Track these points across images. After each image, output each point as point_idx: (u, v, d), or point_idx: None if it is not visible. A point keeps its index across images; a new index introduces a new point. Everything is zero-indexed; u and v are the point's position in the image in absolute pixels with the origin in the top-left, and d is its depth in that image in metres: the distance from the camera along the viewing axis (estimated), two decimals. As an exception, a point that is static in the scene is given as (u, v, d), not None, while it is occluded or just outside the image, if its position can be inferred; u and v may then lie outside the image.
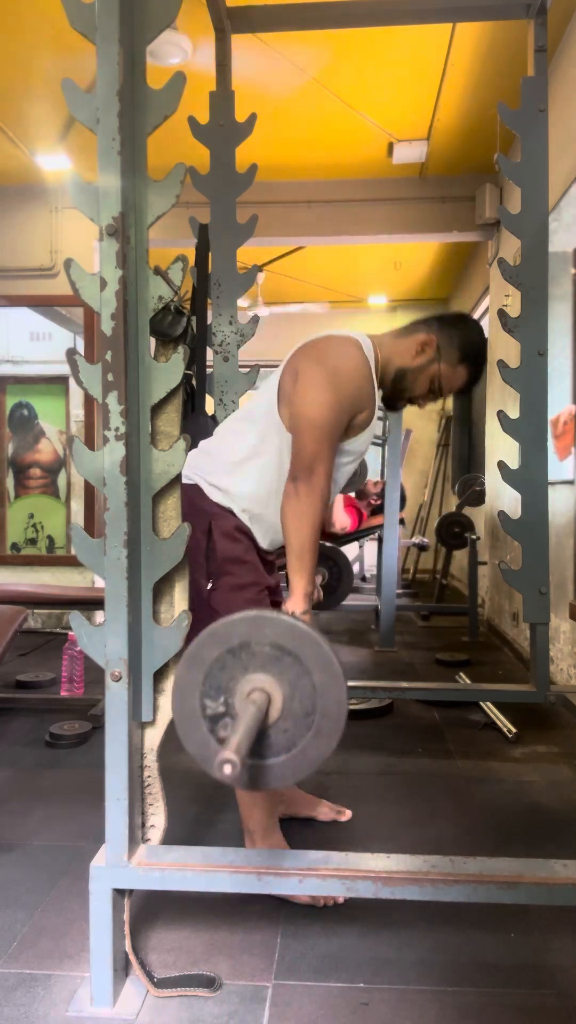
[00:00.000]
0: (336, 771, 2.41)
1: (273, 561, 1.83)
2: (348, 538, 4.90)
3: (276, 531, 1.68)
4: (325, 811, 2.03)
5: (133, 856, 1.33)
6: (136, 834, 1.35)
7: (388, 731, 2.84)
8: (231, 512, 1.65)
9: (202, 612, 1.62)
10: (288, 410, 1.62)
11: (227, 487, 1.65)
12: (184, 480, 1.66)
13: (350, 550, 5.51)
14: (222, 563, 1.62)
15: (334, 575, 3.85)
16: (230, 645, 1.08)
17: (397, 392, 1.73)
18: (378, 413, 1.73)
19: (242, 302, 5.60)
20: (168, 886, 1.32)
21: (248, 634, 1.08)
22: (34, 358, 5.26)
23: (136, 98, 1.28)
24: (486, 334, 1.77)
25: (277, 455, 1.65)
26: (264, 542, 1.70)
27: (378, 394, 1.71)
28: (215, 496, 1.66)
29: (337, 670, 1.07)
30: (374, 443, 5.01)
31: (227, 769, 0.89)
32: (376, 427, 1.73)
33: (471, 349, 1.71)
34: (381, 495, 4.68)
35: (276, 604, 1.78)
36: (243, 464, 1.66)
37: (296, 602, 1.57)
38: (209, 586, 1.61)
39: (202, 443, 1.81)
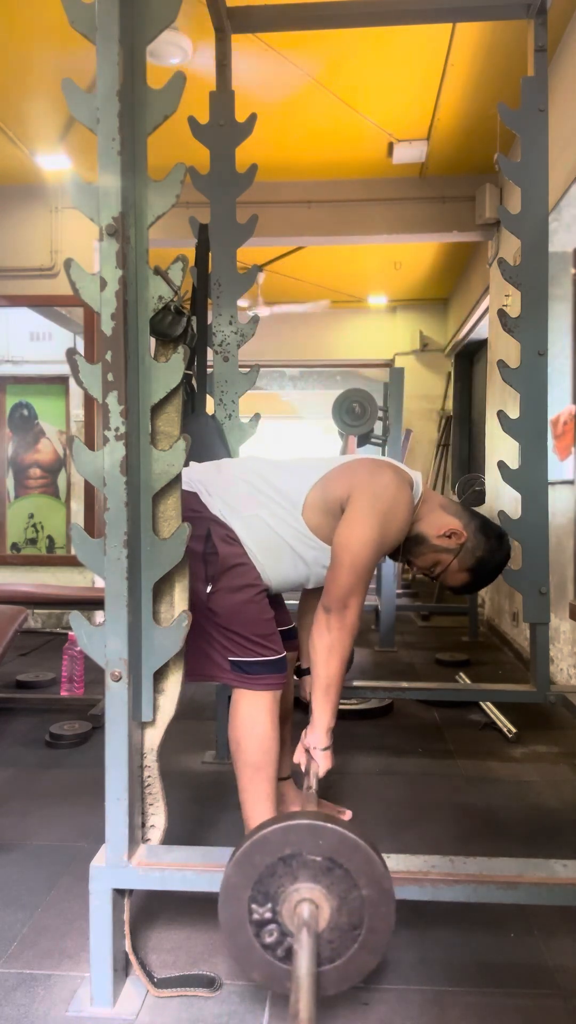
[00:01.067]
0: (336, 771, 2.41)
1: None
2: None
3: (268, 578, 1.69)
4: (325, 811, 2.02)
5: (133, 856, 1.33)
6: (136, 834, 1.35)
7: (388, 731, 2.84)
8: (225, 524, 1.66)
9: (201, 616, 1.62)
10: (320, 507, 1.65)
11: (227, 518, 1.66)
12: (185, 486, 1.66)
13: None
14: (221, 566, 1.62)
15: None
16: (282, 853, 1.08)
17: (406, 549, 1.76)
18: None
19: (242, 302, 5.61)
20: (168, 886, 1.32)
21: (300, 843, 1.07)
22: (34, 358, 5.26)
23: (136, 98, 1.28)
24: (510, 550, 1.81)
25: (284, 531, 1.66)
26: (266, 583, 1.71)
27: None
28: (214, 508, 1.66)
29: (387, 886, 1.07)
30: (375, 443, 5.02)
31: None
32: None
33: (484, 568, 1.76)
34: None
35: (275, 604, 1.78)
36: (247, 516, 1.66)
37: (318, 737, 1.59)
38: (208, 589, 1.61)
39: (220, 463, 1.81)
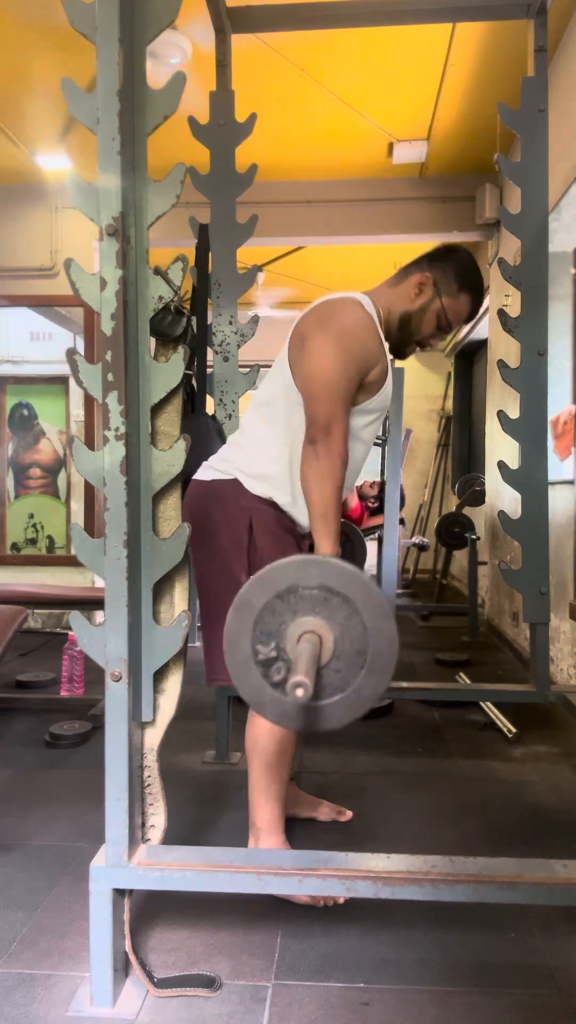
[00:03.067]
0: (336, 771, 2.41)
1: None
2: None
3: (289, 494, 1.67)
4: (325, 811, 2.03)
5: (133, 856, 1.33)
6: (136, 834, 1.35)
7: (388, 731, 2.84)
8: (271, 504, 1.65)
9: None
10: (299, 377, 1.62)
11: (264, 473, 1.65)
12: (222, 476, 1.67)
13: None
14: (263, 559, 1.62)
15: (347, 551, 3.85)
16: (277, 590, 1.08)
17: (405, 337, 1.73)
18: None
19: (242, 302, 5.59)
20: (168, 886, 1.32)
21: (295, 578, 1.08)
22: (34, 358, 5.26)
23: (136, 98, 1.28)
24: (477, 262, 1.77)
25: (303, 430, 1.64)
26: (305, 521, 1.69)
27: (387, 346, 1.71)
28: (255, 488, 1.65)
29: (386, 608, 1.08)
30: (375, 443, 5.01)
31: (300, 692, 0.90)
32: (389, 385, 1.75)
33: (467, 276, 1.72)
34: (379, 496, 4.68)
35: None
36: (273, 447, 1.66)
37: None
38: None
39: (231, 437, 1.81)
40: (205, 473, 1.73)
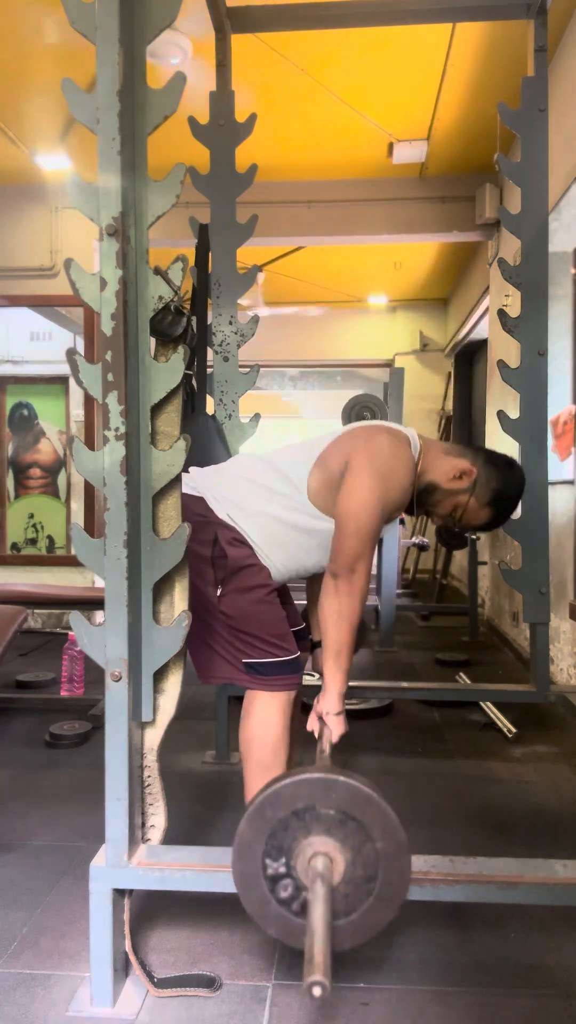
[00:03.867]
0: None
1: None
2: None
3: (280, 573, 1.69)
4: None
5: (133, 856, 1.33)
6: (136, 834, 1.35)
7: (388, 731, 2.84)
8: (233, 528, 1.65)
9: (212, 618, 1.62)
10: (324, 484, 1.63)
11: (237, 522, 1.65)
12: (190, 491, 1.66)
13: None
14: (230, 568, 1.62)
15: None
16: (295, 807, 1.07)
17: (420, 501, 1.74)
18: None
19: (242, 302, 5.60)
20: (168, 886, 1.32)
21: (313, 797, 1.07)
22: (34, 358, 5.26)
23: (136, 98, 1.28)
24: (524, 483, 1.78)
25: (291, 519, 1.66)
26: (276, 576, 1.70)
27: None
28: (221, 512, 1.66)
29: (402, 839, 1.07)
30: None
31: (316, 991, 0.86)
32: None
33: (503, 498, 1.72)
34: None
35: (285, 603, 1.78)
36: (255, 514, 1.66)
37: (331, 702, 1.59)
38: (219, 592, 1.62)
39: (221, 466, 1.81)
40: (188, 488, 1.72)
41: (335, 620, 1.57)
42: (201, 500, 1.67)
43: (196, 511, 1.63)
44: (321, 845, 1.07)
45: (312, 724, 1.64)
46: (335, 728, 1.59)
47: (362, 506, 1.57)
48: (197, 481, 1.71)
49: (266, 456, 1.78)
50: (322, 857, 1.06)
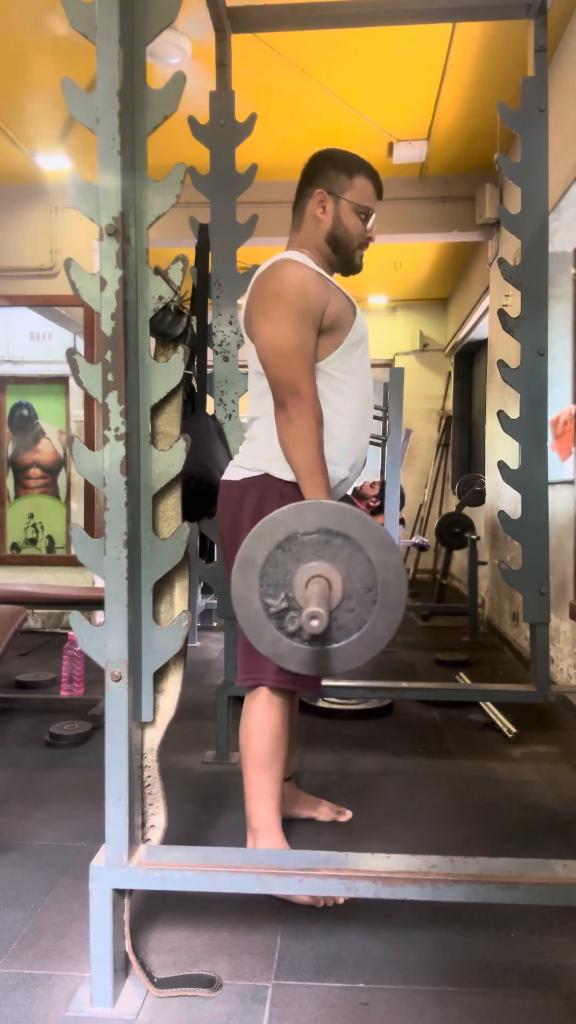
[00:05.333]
0: (336, 771, 2.41)
1: None
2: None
3: (347, 457, 1.67)
4: (325, 811, 2.03)
5: (133, 856, 1.33)
6: (136, 834, 1.35)
7: (388, 731, 2.84)
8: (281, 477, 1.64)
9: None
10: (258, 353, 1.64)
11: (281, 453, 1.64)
12: (251, 473, 1.65)
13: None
14: None
15: None
16: (277, 540, 1.07)
17: (345, 253, 1.75)
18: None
19: (241, 302, 5.57)
20: (168, 886, 1.32)
21: (293, 525, 1.07)
22: (34, 358, 5.26)
23: (136, 98, 1.28)
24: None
25: None
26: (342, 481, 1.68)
27: (333, 278, 1.72)
28: (285, 474, 1.62)
29: (387, 539, 1.07)
30: (374, 443, 5.01)
31: (315, 623, 0.89)
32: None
33: (346, 163, 1.73)
34: (380, 496, 4.68)
35: None
36: (271, 428, 1.65)
37: None
38: None
39: (248, 433, 1.79)
40: (234, 473, 1.72)
41: (297, 444, 1.54)
42: (264, 475, 1.64)
43: (261, 488, 1.62)
44: (314, 569, 1.07)
45: None
46: None
47: (271, 332, 1.57)
48: (248, 462, 1.69)
49: (251, 391, 1.79)
50: (317, 578, 1.06)
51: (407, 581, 1.09)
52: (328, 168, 1.72)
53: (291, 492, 1.62)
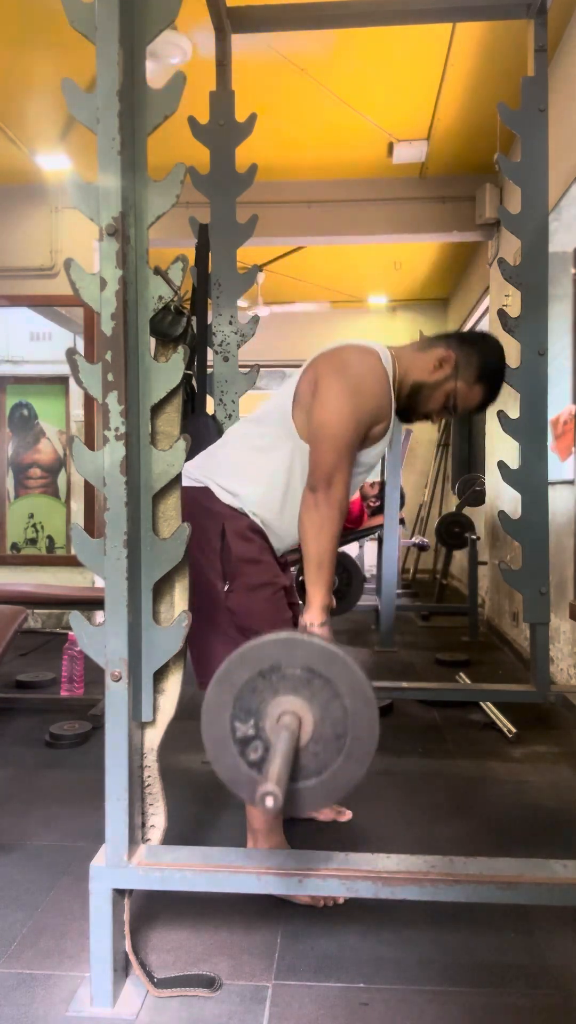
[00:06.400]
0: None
1: (287, 561, 1.83)
2: (348, 538, 4.90)
3: (288, 537, 1.68)
4: (325, 811, 2.03)
5: (133, 856, 1.33)
6: (136, 834, 1.35)
7: (388, 731, 2.83)
8: (243, 513, 1.65)
9: (219, 614, 1.62)
10: (306, 419, 1.62)
11: (237, 491, 1.65)
12: (193, 483, 1.65)
13: (350, 550, 5.51)
14: (237, 564, 1.61)
15: (344, 580, 3.88)
16: (261, 667, 1.06)
17: (412, 405, 1.73)
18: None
19: (242, 302, 5.59)
20: (168, 886, 1.32)
21: (279, 657, 1.06)
22: (34, 358, 5.26)
23: (136, 98, 1.28)
24: (505, 356, 1.77)
25: (288, 460, 1.64)
26: (277, 547, 1.70)
27: (395, 405, 1.71)
28: (225, 499, 1.65)
29: (369, 694, 1.06)
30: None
31: (269, 802, 0.87)
32: (387, 440, 1.75)
33: (489, 370, 1.72)
34: (380, 496, 4.68)
35: (292, 605, 1.78)
36: (253, 469, 1.66)
37: (314, 614, 1.58)
38: (226, 587, 1.61)
39: (210, 447, 1.80)
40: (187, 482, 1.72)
41: (315, 532, 1.55)
42: (206, 490, 1.65)
43: (203, 503, 1.62)
44: (289, 704, 1.06)
45: None
46: None
47: (334, 415, 1.56)
48: (197, 472, 1.70)
49: (246, 418, 1.78)
50: (290, 715, 1.05)
51: (377, 739, 1.08)
52: (476, 353, 1.70)
53: (230, 515, 1.62)
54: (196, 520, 1.64)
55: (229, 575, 1.62)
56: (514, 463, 2.42)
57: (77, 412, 5.03)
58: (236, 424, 1.82)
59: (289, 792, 1.06)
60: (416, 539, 6.45)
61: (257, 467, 1.66)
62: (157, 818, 1.39)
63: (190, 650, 1.70)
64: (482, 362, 1.70)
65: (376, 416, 1.62)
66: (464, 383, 1.70)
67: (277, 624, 1.63)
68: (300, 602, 1.87)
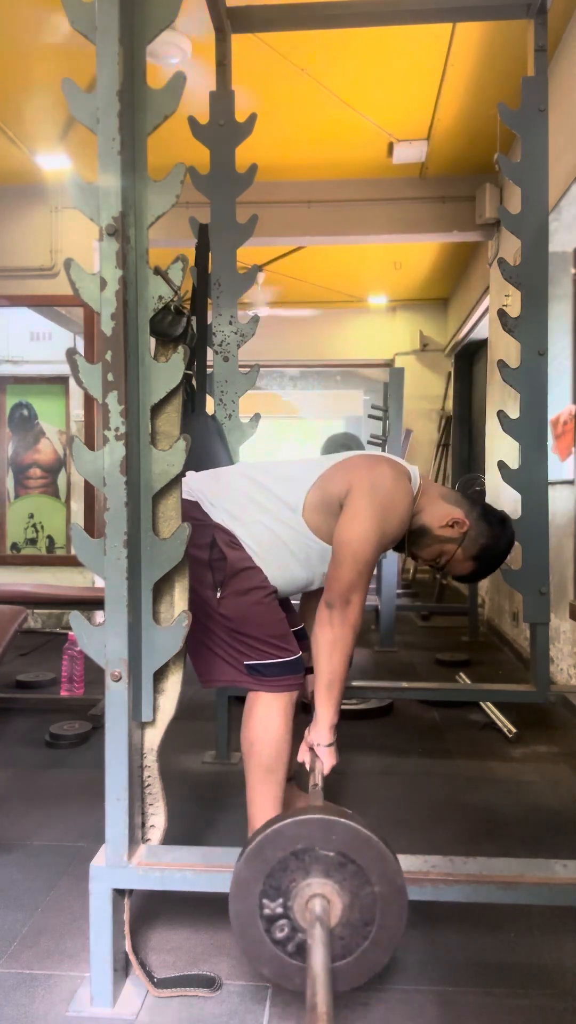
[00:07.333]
0: (336, 771, 2.40)
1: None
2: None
3: (274, 580, 1.68)
4: (325, 811, 2.02)
5: (133, 856, 1.33)
6: (136, 834, 1.35)
7: (388, 731, 2.84)
8: (231, 532, 1.65)
9: (212, 622, 1.62)
10: (322, 510, 1.63)
11: (231, 526, 1.65)
12: (184, 496, 1.66)
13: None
14: (229, 570, 1.62)
15: None
16: (295, 848, 1.06)
17: (410, 542, 1.75)
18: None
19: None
20: (168, 886, 1.32)
21: (313, 838, 1.06)
22: (34, 358, 5.26)
23: (136, 98, 1.28)
24: (514, 542, 1.79)
25: (283, 532, 1.65)
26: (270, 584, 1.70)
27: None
28: (216, 516, 1.65)
29: (400, 883, 1.06)
30: (374, 443, 5.02)
31: None
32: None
33: (489, 555, 1.74)
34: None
35: (285, 607, 1.78)
36: (249, 523, 1.66)
37: (321, 734, 1.59)
38: (218, 595, 1.61)
39: (217, 471, 1.80)
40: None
41: (328, 650, 1.57)
42: (196, 504, 1.66)
43: (192, 515, 1.63)
44: (319, 887, 1.06)
45: (303, 755, 1.64)
46: (326, 760, 1.59)
47: (361, 536, 1.57)
48: (192, 486, 1.70)
49: (265, 469, 1.77)
50: (320, 899, 1.05)
51: (404, 927, 1.08)
52: (487, 535, 1.72)
53: (220, 530, 1.63)
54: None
55: (220, 583, 1.62)
56: (514, 463, 2.41)
57: (77, 412, 5.03)
58: (249, 467, 1.81)
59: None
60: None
61: (254, 523, 1.65)
62: (157, 818, 1.39)
63: (189, 653, 1.70)
64: (487, 545, 1.72)
65: (393, 540, 1.66)
66: (462, 552, 1.72)
67: (272, 625, 1.63)
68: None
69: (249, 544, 1.64)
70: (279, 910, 1.07)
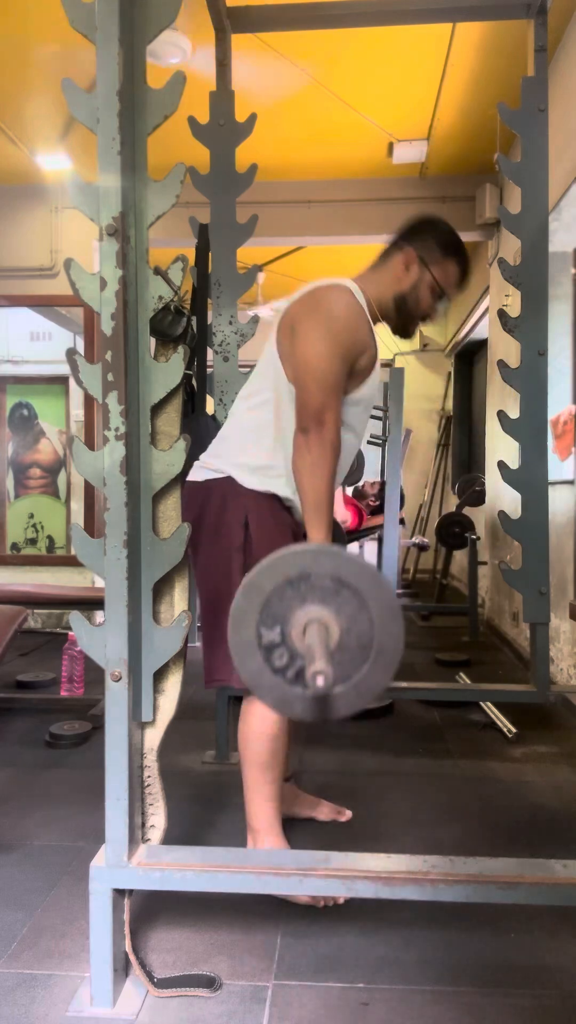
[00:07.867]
0: (336, 771, 2.41)
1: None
2: (348, 538, 4.90)
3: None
4: (325, 811, 2.03)
5: (133, 856, 1.33)
6: (136, 834, 1.35)
7: (388, 731, 2.84)
8: (268, 496, 1.64)
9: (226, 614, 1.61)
10: (290, 366, 1.62)
11: (256, 465, 1.64)
12: (215, 475, 1.66)
13: (350, 551, 5.51)
14: (260, 557, 1.61)
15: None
16: (289, 576, 1.07)
17: (406, 317, 1.74)
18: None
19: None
20: (168, 886, 1.32)
21: (308, 565, 1.06)
22: (34, 358, 5.26)
23: (136, 98, 1.28)
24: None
25: (292, 417, 1.63)
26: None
27: (383, 329, 1.72)
28: (249, 482, 1.64)
29: (395, 605, 1.06)
30: (374, 443, 5.02)
31: (320, 680, 0.89)
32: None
33: (449, 242, 1.74)
34: (379, 495, 4.68)
35: None
36: (265, 438, 1.65)
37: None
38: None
39: (220, 432, 1.79)
40: (198, 473, 1.72)
41: (309, 472, 1.55)
42: (229, 479, 1.65)
43: (226, 495, 1.62)
44: (316, 613, 1.06)
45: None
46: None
47: (315, 352, 1.55)
48: (216, 461, 1.69)
49: (243, 390, 1.77)
50: (316, 623, 1.06)
51: (401, 651, 1.09)
52: (429, 236, 1.72)
53: (254, 503, 1.63)
54: (223, 512, 1.63)
55: (250, 566, 1.61)
56: (514, 463, 2.41)
57: (77, 412, 5.03)
58: (236, 403, 1.81)
59: (315, 698, 1.07)
60: (416, 539, 6.45)
61: (264, 429, 1.65)
62: (157, 818, 1.39)
63: (203, 644, 1.70)
64: (439, 239, 1.73)
65: (357, 347, 1.61)
66: (436, 267, 1.71)
67: None
68: None
69: (281, 467, 1.62)
70: (277, 638, 1.07)
